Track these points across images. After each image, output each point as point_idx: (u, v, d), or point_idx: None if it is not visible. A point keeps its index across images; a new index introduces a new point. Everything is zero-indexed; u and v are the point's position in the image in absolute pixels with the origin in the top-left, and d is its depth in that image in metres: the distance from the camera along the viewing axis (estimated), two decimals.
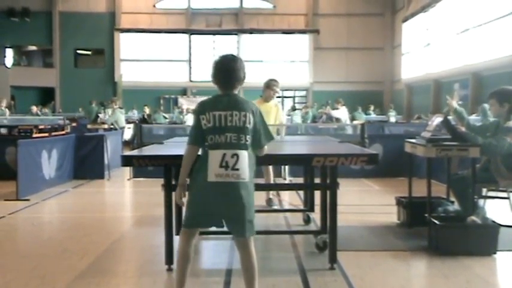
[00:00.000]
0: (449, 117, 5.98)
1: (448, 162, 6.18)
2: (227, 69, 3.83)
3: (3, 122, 15.42)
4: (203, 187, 3.69)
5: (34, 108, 20.76)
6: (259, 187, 8.18)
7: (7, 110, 17.83)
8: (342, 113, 15.76)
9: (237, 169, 3.64)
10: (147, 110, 21.20)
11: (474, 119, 14.50)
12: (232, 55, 3.94)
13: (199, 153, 3.82)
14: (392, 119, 24.17)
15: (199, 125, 3.73)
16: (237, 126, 3.68)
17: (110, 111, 17.94)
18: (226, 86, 3.83)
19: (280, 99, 34.33)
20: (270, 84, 8.07)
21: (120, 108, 18.27)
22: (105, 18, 34.70)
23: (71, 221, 7.35)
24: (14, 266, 5.06)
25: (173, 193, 4.88)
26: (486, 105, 14.63)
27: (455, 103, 6.09)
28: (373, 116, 25.47)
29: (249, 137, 3.71)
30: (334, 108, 15.88)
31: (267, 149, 3.98)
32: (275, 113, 8.15)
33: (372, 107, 26.87)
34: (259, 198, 8.22)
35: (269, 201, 7.99)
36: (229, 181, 3.63)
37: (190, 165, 3.80)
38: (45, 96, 33.32)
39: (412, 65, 30.99)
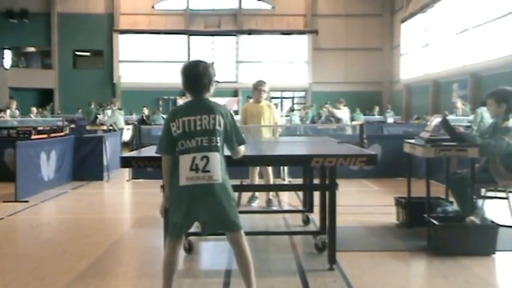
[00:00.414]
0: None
1: (447, 162, 6.18)
2: (192, 76, 3.82)
3: (14, 123, 15.43)
4: (177, 193, 3.73)
5: (34, 110, 20.73)
6: (259, 188, 8.14)
7: (17, 111, 17.88)
8: (343, 113, 15.74)
9: (208, 171, 3.65)
10: (146, 111, 21.20)
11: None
12: (198, 61, 3.91)
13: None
14: (390, 120, 24.20)
15: (169, 133, 3.75)
16: (207, 129, 3.69)
17: (109, 112, 17.95)
18: (194, 92, 3.83)
19: (279, 99, 34.42)
20: (256, 86, 8.13)
21: (119, 109, 18.27)
22: (103, 19, 34.69)
23: (70, 222, 7.35)
24: (13, 268, 5.06)
25: None
26: (480, 110, 14.75)
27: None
28: (371, 116, 25.52)
29: (220, 139, 3.72)
30: (335, 109, 15.84)
31: (242, 151, 3.96)
32: (268, 114, 8.17)
33: (377, 108, 26.92)
34: (259, 199, 8.26)
35: (269, 202, 8.01)
36: (201, 183, 3.65)
37: (170, 174, 3.82)
38: (44, 97, 33.29)
39: (411, 65, 31.01)
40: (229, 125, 3.80)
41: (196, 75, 3.80)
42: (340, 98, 16.05)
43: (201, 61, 3.90)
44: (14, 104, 17.54)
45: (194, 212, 3.71)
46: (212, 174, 3.66)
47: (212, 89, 3.87)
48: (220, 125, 3.72)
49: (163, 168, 3.85)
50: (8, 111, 16.87)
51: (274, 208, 7.98)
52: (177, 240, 3.83)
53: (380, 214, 7.35)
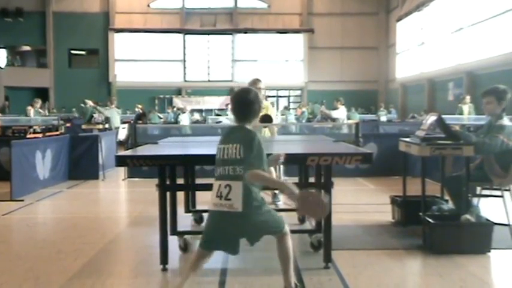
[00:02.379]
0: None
1: (442, 161, 6.20)
2: (239, 102, 3.97)
3: (38, 121, 15.45)
4: (210, 213, 3.93)
5: (37, 105, 20.67)
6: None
7: (41, 110, 17.94)
8: (341, 112, 15.74)
9: (229, 199, 3.74)
10: (139, 106, 21.20)
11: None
12: (247, 88, 4.09)
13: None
14: (383, 118, 24.26)
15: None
16: (233, 159, 3.78)
17: (107, 111, 17.88)
18: (238, 118, 3.96)
19: (274, 98, 34.43)
20: (251, 84, 8.13)
21: (118, 108, 18.22)
22: (99, 18, 34.65)
23: (66, 221, 7.33)
24: (8, 268, 5.05)
25: (168, 193, 4.90)
26: (462, 107, 14.78)
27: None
28: (365, 115, 25.62)
29: (243, 168, 3.75)
30: (334, 108, 15.81)
31: (257, 176, 3.76)
32: (265, 112, 8.16)
33: (383, 106, 27.00)
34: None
35: (274, 196, 8.08)
36: (223, 210, 3.76)
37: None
38: (39, 96, 33.05)
39: (407, 64, 31.07)
40: (251, 152, 3.75)
41: (245, 103, 3.93)
42: (339, 97, 16.03)
43: (249, 89, 4.07)
44: (38, 104, 17.63)
45: (226, 232, 3.87)
46: (233, 203, 3.74)
47: (254, 123, 3.99)
48: (240, 154, 3.78)
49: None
50: (32, 110, 16.93)
51: (279, 203, 8.00)
52: (204, 251, 3.96)
53: (375, 213, 7.36)
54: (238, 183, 3.75)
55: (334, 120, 15.44)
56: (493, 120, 5.83)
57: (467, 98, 17.26)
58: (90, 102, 17.13)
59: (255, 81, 8.09)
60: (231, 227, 3.81)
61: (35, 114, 16.95)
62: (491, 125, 5.81)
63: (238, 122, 3.96)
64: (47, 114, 23.93)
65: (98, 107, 16.86)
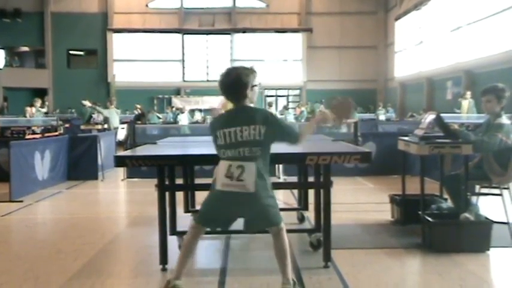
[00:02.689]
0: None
1: (441, 159, 6.20)
2: (224, 85, 3.92)
3: (37, 122, 15.45)
4: (215, 192, 3.92)
5: (38, 104, 20.64)
6: None
7: (41, 109, 17.94)
8: None
9: (242, 180, 3.77)
10: (138, 106, 21.18)
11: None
12: (231, 68, 4.00)
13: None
14: (382, 117, 24.26)
15: (215, 141, 3.93)
16: (248, 141, 3.78)
17: (106, 111, 17.85)
18: (232, 101, 3.98)
19: (273, 98, 34.44)
20: None
21: (117, 108, 18.20)
22: (97, 18, 34.61)
23: (65, 222, 7.33)
24: (7, 268, 5.04)
25: (167, 193, 4.90)
26: (462, 102, 14.73)
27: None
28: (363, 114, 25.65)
29: (260, 149, 3.82)
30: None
31: (302, 140, 4.05)
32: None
33: (381, 105, 27.00)
34: None
35: None
36: (235, 191, 3.79)
37: None
38: (38, 97, 33.13)
39: (405, 63, 31.08)
40: (274, 128, 3.87)
41: (229, 84, 3.90)
42: (337, 96, 16.02)
43: (234, 68, 4.00)
44: (39, 102, 17.62)
45: (227, 214, 3.95)
46: (245, 184, 3.78)
47: (251, 94, 3.93)
48: (260, 135, 3.80)
49: None
50: (34, 109, 16.94)
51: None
52: (201, 227, 4.03)
53: (375, 212, 7.37)
54: (252, 164, 3.79)
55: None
56: (491, 118, 5.83)
57: (468, 94, 17.28)
58: (87, 103, 17.10)
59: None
60: (239, 207, 3.86)
61: (36, 113, 16.96)
62: (489, 124, 5.81)
63: (236, 102, 3.95)
64: (47, 112, 23.89)
65: (97, 107, 16.84)
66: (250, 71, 3.96)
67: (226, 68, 4.02)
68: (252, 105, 3.98)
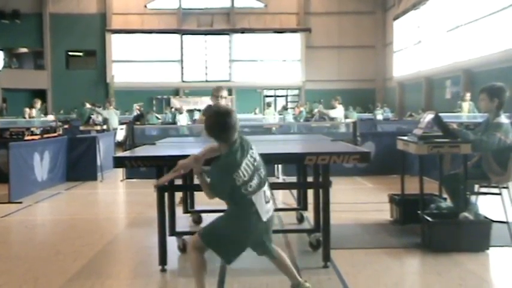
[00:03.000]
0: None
1: (440, 159, 6.20)
2: (230, 126, 3.65)
3: (36, 123, 15.43)
4: (256, 228, 3.75)
5: (37, 105, 20.64)
6: None
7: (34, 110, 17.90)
8: (338, 111, 15.75)
9: (272, 197, 3.85)
10: (137, 107, 21.17)
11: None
12: (227, 110, 3.77)
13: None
14: (379, 117, 24.27)
15: (232, 182, 3.61)
16: (259, 160, 3.76)
17: (105, 112, 17.87)
18: (230, 138, 3.67)
19: (272, 98, 34.48)
20: (213, 92, 8.21)
21: (116, 109, 18.20)
22: (96, 19, 34.61)
23: (64, 223, 7.33)
24: (6, 269, 5.04)
25: (166, 194, 4.89)
26: (462, 104, 14.72)
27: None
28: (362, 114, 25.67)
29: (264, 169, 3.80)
30: (331, 107, 15.81)
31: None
32: None
33: (379, 105, 27.00)
34: None
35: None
36: (273, 214, 3.87)
37: None
38: (37, 98, 33.12)
39: (404, 62, 31.10)
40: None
41: (233, 125, 3.66)
42: (337, 96, 16.02)
43: (230, 111, 3.75)
44: (39, 104, 17.59)
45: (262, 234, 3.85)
46: (273, 198, 3.90)
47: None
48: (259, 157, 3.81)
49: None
50: (34, 111, 16.91)
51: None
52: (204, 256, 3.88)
53: (374, 211, 7.37)
54: (268, 184, 3.81)
55: (332, 119, 15.45)
56: (490, 118, 5.84)
57: (468, 95, 17.28)
58: (87, 105, 17.12)
59: (219, 89, 8.11)
60: (269, 227, 3.86)
61: (36, 114, 16.94)
62: (488, 123, 5.82)
63: (218, 141, 3.72)
64: (46, 113, 23.87)
65: (96, 108, 16.84)
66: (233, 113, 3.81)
67: (223, 109, 3.84)
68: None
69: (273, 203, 3.81)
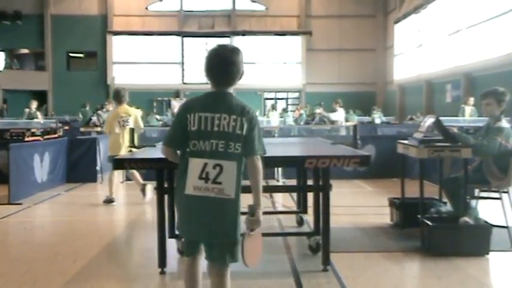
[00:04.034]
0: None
1: (441, 163, 6.20)
2: (224, 63, 3.24)
3: (36, 125, 15.42)
4: (182, 200, 3.24)
5: (33, 106, 20.61)
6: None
7: (38, 112, 17.88)
8: (339, 114, 15.75)
9: (219, 183, 3.13)
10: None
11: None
12: (232, 46, 3.34)
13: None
14: (377, 121, 24.28)
15: (184, 126, 3.21)
16: (226, 132, 3.16)
17: (103, 115, 17.86)
18: (217, 83, 3.30)
19: (273, 100, 34.49)
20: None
21: None
22: (97, 20, 34.64)
23: (63, 224, 7.32)
24: (5, 271, 5.03)
25: (165, 196, 4.89)
26: (465, 108, 14.71)
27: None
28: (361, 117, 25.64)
29: (239, 146, 3.17)
30: (332, 110, 15.82)
31: (259, 166, 3.24)
32: (134, 118, 8.74)
33: (375, 109, 27.00)
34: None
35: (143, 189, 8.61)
36: (210, 196, 3.14)
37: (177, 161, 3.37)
38: (38, 99, 33.08)
39: (405, 66, 31.11)
40: (253, 130, 3.23)
41: (231, 63, 3.24)
42: (338, 99, 16.02)
43: (235, 47, 3.33)
44: (34, 104, 17.55)
45: (197, 227, 3.21)
46: (223, 188, 3.14)
47: (237, 82, 3.32)
48: (242, 129, 3.18)
49: (169, 158, 3.40)
50: (27, 111, 16.89)
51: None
52: (191, 258, 3.41)
53: (374, 215, 7.36)
54: (232, 164, 3.16)
55: (333, 122, 15.45)
56: (491, 122, 5.84)
57: (471, 100, 17.28)
58: (87, 106, 17.14)
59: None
60: (214, 218, 3.16)
61: (28, 115, 16.89)
62: (489, 127, 5.82)
63: (218, 87, 3.30)
64: (46, 114, 23.80)
65: (99, 111, 16.85)
66: (241, 53, 3.32)
67: (218, 45, 3.36)
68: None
69: (218, 191, 3.13)
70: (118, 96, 8.80)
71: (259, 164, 3.23)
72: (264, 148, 3.30)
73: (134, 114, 8.77)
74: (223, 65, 3.24)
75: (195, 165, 3.16)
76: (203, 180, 3.14)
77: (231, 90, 3.33)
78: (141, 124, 9.09)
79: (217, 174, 3.13)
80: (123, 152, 7.90)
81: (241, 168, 3.21)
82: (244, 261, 3.22)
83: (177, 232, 4.11)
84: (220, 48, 3.30)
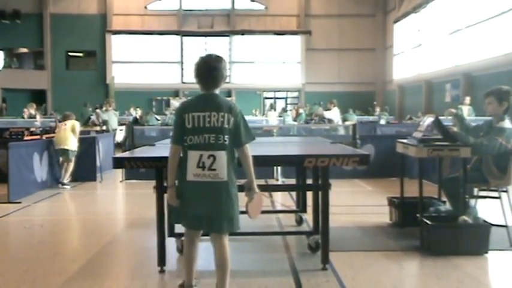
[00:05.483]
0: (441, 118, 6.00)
1: (440, 162, 6.20)
2: (210, 69, 3.91)
3: (36, 124, 15.44)
4: (184, 186, 3.87)
5: (33, 108, 20.59)
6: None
7: (38, 116, 17.88)
8: (334, 113, 15.79)
9: (214, 169, 3.78)
10: (138, 112, 21.13)
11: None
12: (216, 55, 4.02)
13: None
14: (383, 121, 24.27)
15: (182, 125, 3.85)
16: (215, 127, 3.80)
17: (103, 114, 17.89)
18: (205, 86, 3.93)
19: (272, 100, 34.49)
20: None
21: (115, 110, 18.20)
22: (96, 20, 34.60)
23: (63, 223, 7.33)
24: (5, 270, 5.04)
25: (165, 195, 4.89)
26: (462, 108, 14.72)
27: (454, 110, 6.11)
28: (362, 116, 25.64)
29: (227, 137, 3.81)
30: (326, 109, 15.88)
31: (248, 157, 3.90)
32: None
33: (378, 108, 27.00)
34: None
35: None
36: (207, 180, 3.79)
37: (176, 165, 3.93)
38: (37, 98, 33.17)
39: (404, 65, 31.10)
40: (239, 122, 3.86)
41: (216, 68, 3.91)
42: (332, 99, 16.07)
43: (218, 56, 4.02)
44: (33, 108, 17.55)
45: (197, 208, 3.84)
46: (218, 173, 3.79)
47: (222, 85, 4.00)
48: (228, 123, 3.81)
49: (170, 158, 3.93)
50: (27, 113, 16.90)
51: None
52: (193, 232, 4.05)
53: (373, 214, 7.37)
54: (222, 153, 3.80)
55: (328, 120, 15.49)
56: (494, 121, 5.81)
57: (467, 99, 17.29)
58: (88, 105, 17.15)
59: None
60: (212, 197, 3.81)
61: (28, 117, 16.93)
62: (491, 126, 5.79)
63: (207, 89, 3.93)
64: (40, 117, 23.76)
65: (97, 110, 16.85)
66: (224, 60, 4.02)
67: (209, 54, 4.03)
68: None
69: (214, 176, 3.77)
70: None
71: (248, 152, 3.91)
72: (252, 135, 3.99)
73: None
74: (209, 71, 3.91)
75: (192, 156, 3.82)
76: (201, 168, 3.80)
77: (217, 91, 3.98)
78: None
79: (211, 163, 3.79)
80: None
81: (231, 156, 3.86)
82: (248, 215, 3.97)
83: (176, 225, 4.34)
84: (207, 57, 3.98)
